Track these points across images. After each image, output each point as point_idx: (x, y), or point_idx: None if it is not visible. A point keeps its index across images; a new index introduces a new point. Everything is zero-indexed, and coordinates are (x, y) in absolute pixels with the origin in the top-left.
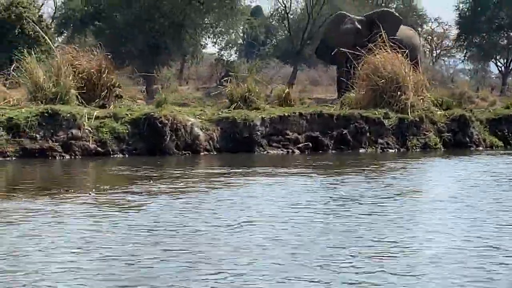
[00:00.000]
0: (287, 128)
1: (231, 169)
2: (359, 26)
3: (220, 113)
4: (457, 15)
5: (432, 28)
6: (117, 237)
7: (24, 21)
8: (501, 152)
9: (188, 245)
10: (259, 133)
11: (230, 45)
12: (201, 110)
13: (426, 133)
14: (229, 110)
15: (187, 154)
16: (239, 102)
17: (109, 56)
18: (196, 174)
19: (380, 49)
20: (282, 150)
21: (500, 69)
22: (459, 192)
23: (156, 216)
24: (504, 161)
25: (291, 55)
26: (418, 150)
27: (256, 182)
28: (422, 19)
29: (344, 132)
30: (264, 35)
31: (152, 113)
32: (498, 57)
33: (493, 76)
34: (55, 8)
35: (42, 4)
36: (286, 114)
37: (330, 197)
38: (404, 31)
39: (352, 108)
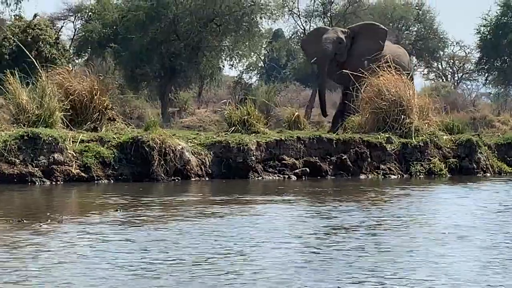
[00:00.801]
0: (284, 153)
1: (221, 196)
2: (341, 37)
3: (214, 137)
4: (478, 39)
5: (454, 51)
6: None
7: (41, 43)
8: (510, 179)
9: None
10: (253, 158)
11: (251, 67)
12: (196, 133)
13: (430, 158)
14: (225, 134)
15: (176, 180)
16: (238, 126)
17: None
18: (182, 201)
19: (384, 71)
20: (278, 176)
21: None
22: (461, 223)
23: (143, 249)
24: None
25: (311, 78)
26: (422, 176)
27: (245, 211)
28: (443, 43)
29: (343, 157)
30: (285, 58)
31: (140, 137)
32: None
33: None
34: (74, 30)
35: (62, 27)
36: (283, 138)
37: (323, 227)
38: (391, 48)
39: (356, 132)
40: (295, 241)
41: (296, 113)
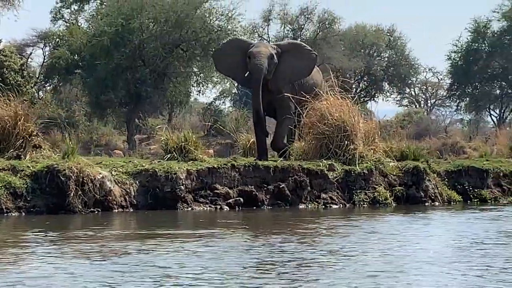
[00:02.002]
0: (216, 182)
1: (141, 229)
2: (273, 52)
3: (143, 165)
4: (449, 65)
5: (427, 78)
6: None
7: (5, 69)
8: (459, 208)
9: None
10: (183, 188)
11: (225, 94)
12: (129, 161)
13: (375, 186)
14: (158, 162)
15: (96, 212)
16: (174, 153)
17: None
18: (93, 236)
19: (327, 94)
20: (210, 207)
21: (493, 119)
22: (394, 259)
23: None
24: (464, 219)
25: None
26: (366, 206)
27: (161, 246)
28: (415, 69)
29: (281, 186)
30: None
31: (55, 166)
32: (491, 107)
33: (490, 125)
34: (44, 57)
35: (31, 53)
36: (215, 166)
37: (250, 261)
38: None
39: (299, 159)
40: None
41: (252, 140)
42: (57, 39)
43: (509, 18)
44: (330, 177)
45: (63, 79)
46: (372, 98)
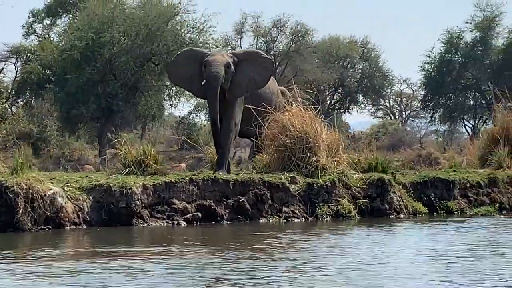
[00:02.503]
0: (174, 196)
1: (93, 247)
2: (229, 61)
3: (98, 180)
4: (422, 76)
5: (401, 89)
6: None
7: None
8: (425, 220)
9: None
10: (138, 203)
11: (200, 107)
12: (85, 176)
13: (338, 199)
14: (108, 177)
15: (47, 229)
16: (133, 167)
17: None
18: (42, 255)
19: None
20: (167, 222)
21: (467, 130)
22: (354, 275)
23: None
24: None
25: None
26: (328, 219)
27: (114, 265)
28: (389, 80)
29: (241, 200)
30: None
31: (3, 182)
32: (465, 118)
33: (465, 136)
34: (16, 72)
35: (2, 69)
36: (173, 180)
37: (205, 278)
38: None
39: (262, 172)
40: None
41: None
42: (29, 54)
43: (481, 29)
44: (291, 190)
45: (35, 94)
46: (347, 110)
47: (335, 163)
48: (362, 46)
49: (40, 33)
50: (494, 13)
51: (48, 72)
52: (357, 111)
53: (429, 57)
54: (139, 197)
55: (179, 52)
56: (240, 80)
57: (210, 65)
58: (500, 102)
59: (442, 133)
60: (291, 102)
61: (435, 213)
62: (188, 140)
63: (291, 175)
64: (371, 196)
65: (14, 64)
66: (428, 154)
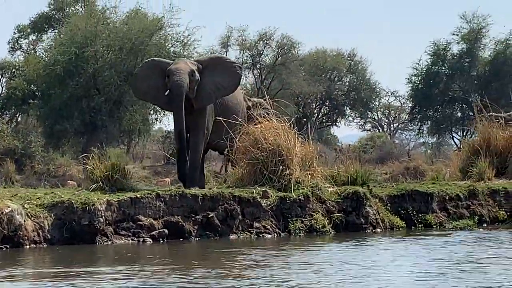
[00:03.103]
0: (140, 213)
1: (51, 267)
2: (193, 68)
3: (62, 196)
4: (410, 88)
5: (389, 101)
6: None
7: None
8: (402, 234)
9: None
10: (102, 220)
11: None
12: (50, 193)
13: (312, 214)
14: (80, 192)
15: (4, 249)
16: (101, 182)
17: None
18: None
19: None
20: (132, 239)
21: (456, 142)
22: None
23: None
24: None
25: None
26: (302, 234)
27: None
28: (376, 93)
29: (210, 216)
30: None
31: None
32: (453, 130)
33: (454, 149)
34: (1, 87)
35: None
36: (138, 196)
37: None
38: None
39: (234, 186)
40: None
41: None
42: (13, 70)
43: (468, 41)
44: (263, 204)
45: (20, 109)
46: (334, 123)
47: (309, 176)
48: (349, 58)
49: (26, 48)
50: (480, 25)
51: (32, 87)
52: (345, 124)
53: (416, 69)
54: (103, 214)
55: (140, 65)
56: (206, 87)
57: (173, 74)
58: (482, 113)
59: (430, 146)
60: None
61: (413, 227)
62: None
63: (263, 189)
64: (346, 210)
65: (0, 80)
66: (415, 167)
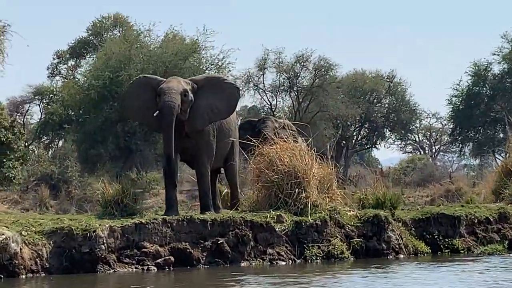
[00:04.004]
0: (145, 239)
1: None
2: (186, 88)
3: (65, 222)
4: (450, 109)
5: (430, 123)
6: None
7: None
8: (427, 260)
9: None
10: (103, 247)
11: None
12: (57, 218)
13: (330, 239)
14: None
15: None
16: (110, 207)
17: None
18: None
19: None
20: (136, 268)
21: (498, 163)
22: None
23: None
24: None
25: None
26: (319, 261)
27: None
28: (416, 115)
29: (220, 242)
30: None
31: None
32: (496, 151)
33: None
34: (41, 113)
35: (28, 110)
36: (143, 221)
37: None
38: None
39: (250, 210)
40: None
41: (225, 191)
42: (51, 95)
43: (509, 60)
44: (277, 229)
45: (57, 134)
46: (374, 146)
47: (328, 199)
48: (388, 80)
49: (65, 74)
50: None
51: (69, 112)
52: (385, 146)
53: (456, 90)
54: (105, 241)
55: (131, 81)
56: (200, 109)
57: (164, 94)
58: None
59: (472, 168)
60: (294, 136)
61: (439, 253)
62: None
63: (277, 213)
64: (367, 235)
65: (39, 105)
66: (457, 189)
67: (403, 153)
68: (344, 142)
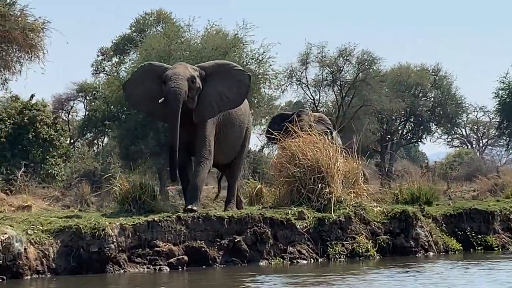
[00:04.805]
0: (158, 238)
1: None
2: (194, 74)
3: (67, 220)
4: (496, 102)
5: (478, 117)
6: None
7: (38, 124)
8: (460, 258)
9: None
10: (113, 246)
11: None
12: (73, 216)
13: (355, 236)
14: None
15: (1, 280)
16: (127, 204)
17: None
18: None
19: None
20: (148, 268)
21: None
22: None
23: None
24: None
25: None
26: (343, 259)
27: None
28: (462, 108)
29: (237, 240)
30: None
31: None
32: None
33: None
34: (85, 110)
35: (72, 107)
36: (156, 219)
37: None
38: None
39: (274, 206)
40: None
41: (259, 186)
42: (94, 92)
43: None
44: (298, 227)
45: (99, 131)
46: (420, 140)
47: (353, 194)
48: (433, 74)
49: (109, 71)
50: None
51: (112, 109)
52: (430, 140)
53: (503, 82)
54: (115, 240)
55: (136, 69)
56: (209, 97)
57: (170, 80)
58: None
59: None
60: (328, 129)
61: (471, 250)
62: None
63: (299, 210)
64: (394, 231)
65: (83, 102)
66: (505, 183)
67: (450, 147)
68: (389, 136)
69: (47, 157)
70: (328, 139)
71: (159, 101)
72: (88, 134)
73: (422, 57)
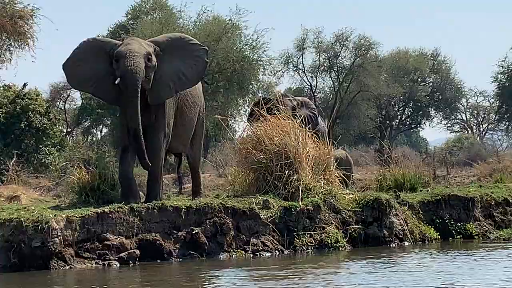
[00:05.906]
0: (108, 230)
1: None
2: (149, 50)
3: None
4: (495, 87)
5: (478, 102)
6: None
7: (31, 113)
8: (437, 248)
9: None
10: (58, 240)
11: None
12: (23, 208)
13: (324, 226)
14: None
15: None
16: (84, 195)
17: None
18: None
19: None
20: (97, 263)
21: None
22: None
23: None
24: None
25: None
26: (310, 251)
27: None
28: (461, 93)
29: (195, 232)
30: None
31: None
32: None
33: None
34: (82, 99)
35: (68, 96)
36: (107, 210)
37: None
38: None
39: (238, 195)
40: None
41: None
42: None
43: None
44: (262, 217)
45: (94, 120)
46: (419, 125)
47: (324, 181)
48: (432, 58)
49: None
50: None
51: None
52: (430, 125)
53: (502, 66)
54: (60, 233)
55: (77, 46)
56: (165, 76)
57: (124, 57)
58: None
59: None
60: (313, 114)
61: (450, 239)
62: None
63: (264, 199)
64: (366, 220)
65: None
66: (504, 168)
67: (450, 132)
68: (388, 122)
69: (40, 146)
70: (313, 122)
71: (116, 82)
72: (84, 122)
73: (421, 41)
